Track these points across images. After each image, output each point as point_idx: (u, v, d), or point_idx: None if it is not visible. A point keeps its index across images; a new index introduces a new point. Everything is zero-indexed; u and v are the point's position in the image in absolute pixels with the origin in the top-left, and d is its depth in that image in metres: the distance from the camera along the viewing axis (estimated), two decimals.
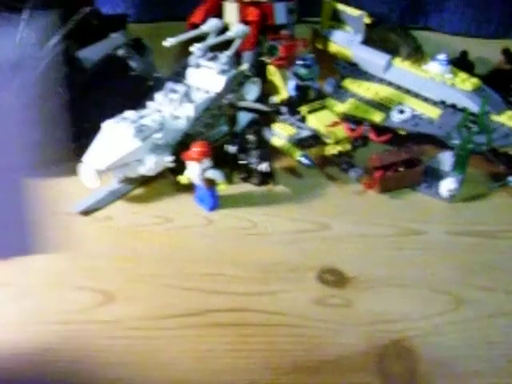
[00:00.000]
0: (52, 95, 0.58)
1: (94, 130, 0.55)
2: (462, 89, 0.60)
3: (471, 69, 0.70)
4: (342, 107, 0.63)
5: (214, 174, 0.50)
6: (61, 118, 0.59)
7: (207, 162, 0.50)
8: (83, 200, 0.53)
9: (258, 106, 0.55)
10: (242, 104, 0.52)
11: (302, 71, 0.58)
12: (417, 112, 0.61)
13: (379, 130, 0.59)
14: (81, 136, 0.58)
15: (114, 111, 0.56)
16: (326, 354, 0.37)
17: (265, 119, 0.58)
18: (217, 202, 0.52)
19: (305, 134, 0.58)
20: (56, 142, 0.57)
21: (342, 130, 0.57)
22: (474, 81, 0.61)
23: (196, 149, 0.49)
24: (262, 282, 0.44)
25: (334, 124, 0.57)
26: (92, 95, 0.61)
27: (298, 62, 0.59)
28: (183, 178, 0.52)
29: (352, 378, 0.36)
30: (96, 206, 0.53)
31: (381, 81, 0.66)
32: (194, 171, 0.50)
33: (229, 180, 0.54)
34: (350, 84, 0.66)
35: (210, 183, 0.51)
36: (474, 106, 0.58)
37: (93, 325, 0.39)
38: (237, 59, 0.64)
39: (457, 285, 0.44)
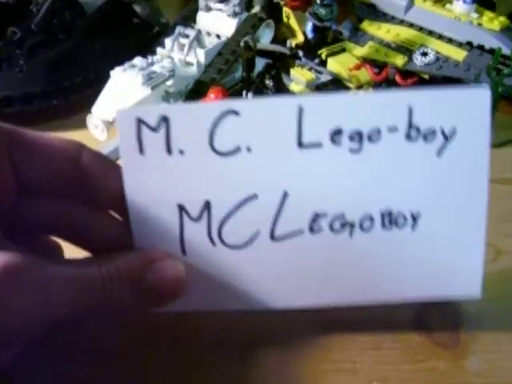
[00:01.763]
0: (54, 43, 0.55)
1: (100, 79, 0.52)
2: (489, 28, 0.56)
3: (492, 9, 0.66)
4: (360, 51, 0.59)
5: None
6: (64, 67, 0.56)
7: None
8: None
9: (277, 47, 0.51)
10: (260, 46, 0.48)
11: (321, 11, 0.54)
12: (441, 54, 0.58)
13: (402, 74, 0.56)
14: (85, 86, 0.55)
15: (119, 59, 0.52)
16: (363, 309, 0.34)
17: (281, 64, 0.54)
18: None
19: (324, 78, 0.54)
20: (60, 93, 0.54)
21: (366, 74, 0.53)
22: (502, 20, 0.57)
23: (213, 95, 0.46)
24: None
25: (357, 67, 0.53)
26: (95, 43, 0.58)
27: (317, 1, 0.55)
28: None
29: (392, 335, 0.33)
30: None
31: (401, 22, 0.62)
32: None
33: None
34: (369, 26, 0.62)
35: None
36: (503, 47, 0.54)
37: None
38: (249, 1, 0.60)
39: (493, 234, 0.41)
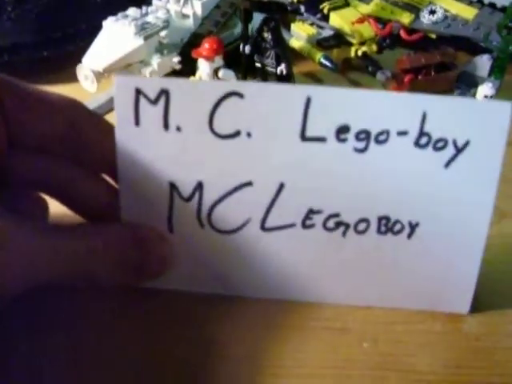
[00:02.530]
0: None
1: (93, 31, 0.50)
2: None
3: None
4: (366, 8, 0.57)
5: (227, 74, 0.45)
6: (55, 16, 0.53)
7: (219, 61, 0.45)
8: None
9: None
10: None
11: None
12: (449, 12, 0.55)
13: (409, 31, 0.53)
14: (78, 37, 0.53)
15: (113, 10, 0.50)
16: None
17: (281, 18, 0.52)
18: None
19: (326, 33, 0.52)
20: (51, 44, 0.52)
21: (369, 29, 0.51)
22: None
23: (207, 45, 0.44)
24: None
25: (361, 20, 0.51)
26: None
27: None
28: (195, 79, 0.46)
29: None
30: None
31: None
32: (204, 70, 0.45)
33: None
34: None
35: None
36: None
37: None
38: None
39: (499, 196, 0.40)
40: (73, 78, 0.49)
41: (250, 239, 0.30)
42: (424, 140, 0.28)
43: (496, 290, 0.33)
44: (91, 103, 0.48)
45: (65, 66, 0.51)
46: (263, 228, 0.30)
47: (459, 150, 0.28)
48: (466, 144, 0.28)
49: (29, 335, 0.29)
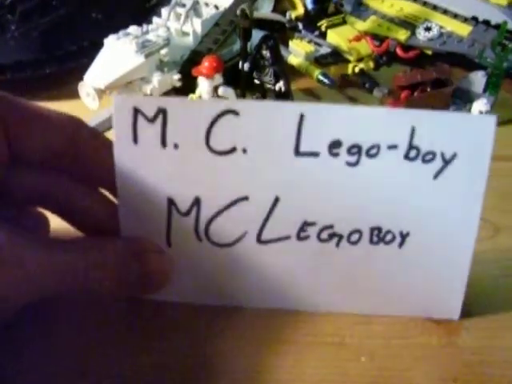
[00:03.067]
0: (47, 9, 0.54)
1: (95, 48, 0.50)
2: (496, 3, 0.55)
3: None
4: (362, 25, 0.58)
5: (226, 92, 0.46)
6: (58, 35, 0.54)
7: (219, 78, 0.45)
8: None
9: (274, 16, 0.50)
10: (257, 15, 0.47)
11: None
12: (445, 29, 0.56)
13: (405, 48, 0.54)
14: (80, 55, 0.54)
15: (115, 28, 0.51)
16: None
17: (280, 36, 0.53)
18: None
19: (324, 51, 0.53)
20: (54, 61, 0.53)
21: (366, 46, 0.52)
22: None
23: (207, 63, 0.45)
24: None
25: (358, 38, 0.52)
26: (91, 10, 0.56)
27: None
28: (195, 97, 0.47)
29: None
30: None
31: None
32: (204, 88, 0.46)
33: None
34: (372, 0, 0.61)
35: None
36: (510, 22, 0.52)
37: None
38: None
39: (492, 211, 0.40)
40: (74, 95, 0.50)
41: (247, 251, 0.31)
42: (413, 153, 0.28)
43: (491, 304, 0.33)
44: (93, 120, 0.48)
45: (67, 83, 0.52)
46: (259, 240, 0.30)
47: (447, 162, 0.29)
48: (454, 156, 0.28)
49: (32, 341, 0.30)
